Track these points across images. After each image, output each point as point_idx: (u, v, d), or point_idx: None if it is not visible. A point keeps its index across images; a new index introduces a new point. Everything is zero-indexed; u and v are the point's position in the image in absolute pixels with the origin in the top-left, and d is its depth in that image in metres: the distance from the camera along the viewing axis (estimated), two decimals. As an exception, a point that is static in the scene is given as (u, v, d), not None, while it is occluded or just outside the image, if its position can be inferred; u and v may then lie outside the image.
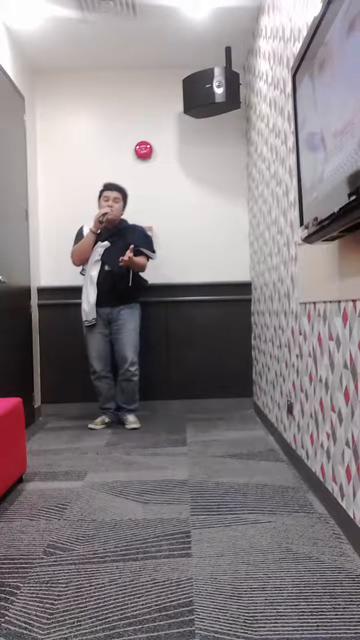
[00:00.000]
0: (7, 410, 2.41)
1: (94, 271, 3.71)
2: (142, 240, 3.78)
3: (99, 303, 3.71)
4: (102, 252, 3.71)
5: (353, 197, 1.46)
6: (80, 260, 3.77)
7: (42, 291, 4.31)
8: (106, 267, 3.70)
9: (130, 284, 3.72)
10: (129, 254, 3.58)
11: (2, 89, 3.47)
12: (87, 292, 3.73)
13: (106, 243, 3.72)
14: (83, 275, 3.81)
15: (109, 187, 3.78)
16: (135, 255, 3.67)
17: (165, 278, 4.06)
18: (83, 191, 4.32)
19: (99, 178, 4.23)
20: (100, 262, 3.70)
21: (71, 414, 4.22)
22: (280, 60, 2.94)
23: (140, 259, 3.71)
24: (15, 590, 1.63)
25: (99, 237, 3.73)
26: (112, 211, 3.69)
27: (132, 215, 3.88)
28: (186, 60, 4.11)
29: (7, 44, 3.67)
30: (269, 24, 3.21)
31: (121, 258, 3.58)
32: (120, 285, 3.70)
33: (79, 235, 3.80)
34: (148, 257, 3.78)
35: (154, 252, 3.82)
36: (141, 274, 3.82)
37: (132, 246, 3.63)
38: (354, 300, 1.84)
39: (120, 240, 3.72)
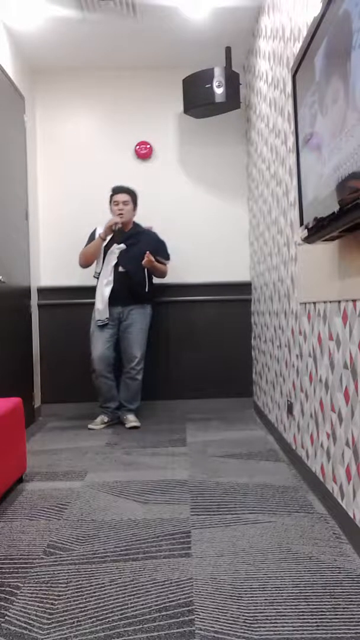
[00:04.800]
0: (7, 410, 2.41)
1: (109, 272, 3.75)
2: (156, 247, 3.84)
3: (112, 302, 3.74)
4: (118, 254, 3.75)
5: (345, 204, 1.46)
6: (86, 262, 3.85)
7: (42, 291, 4.30)
8: (120, 269, 3.75)
9: (147, 288, 3.82)
10: (148, 257, 3.69)
11: (2, 89, 3.47)
12: (101, 291, 3.76)
13: (122, 245, 3.76)
14: (96, 278, 3.83)
15: (117, 190, 3.83)
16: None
17: (166, 278, 4.06)
18: (83, 191, 4.33)
19: (98, 178, 4.24)
20: (116, 264, 3.75)
21: (71, 414, 4.22)
22: (280, 60, 2.94)
23: (161, 266, 3.86)
24: (15, 590, 1.63)
25: (115, 240, 3.78)
26: (123, 217, 3.75)
27: (132, 215, 3.88)
28: (186, 60, 4.11)
29: (7, 44, 3.67)
30: (269, 24, 3.21)
31: (144, 263, 3.69)
32: (137, 287, 3.77)
33: (92, 238, 3.85)
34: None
35: (168, 257, 3.93)
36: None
37: (148, 252, 3.71)
38: (354, 300, 1.84)
39: (136, 244, 3.77)
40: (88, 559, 1.83)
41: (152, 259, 3.72)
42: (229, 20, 3.63)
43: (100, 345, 3.79)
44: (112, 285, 3.74)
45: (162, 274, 3.91)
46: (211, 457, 2.99)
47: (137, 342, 3.80)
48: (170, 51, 4.06)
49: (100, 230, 3.80)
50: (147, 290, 3.83)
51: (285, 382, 3.03)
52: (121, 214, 3.74)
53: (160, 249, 3.87)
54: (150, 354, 4.06)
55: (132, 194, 3.82)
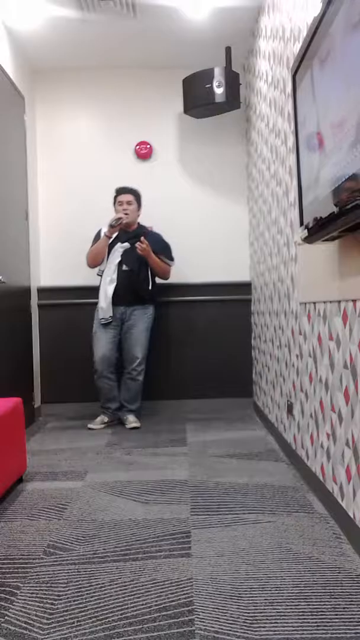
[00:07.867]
0: (7, 410, 2.41)
1: (112, 270, 3.75)
2: (160, 247, 3.84)
3: (115, 302, 3.74)
4: (122, 253, 3.75)
5: (343, 206, 1.46)
6: (94, 262, 3.83)
7: (42, 291, 4.30)
8: (124, 267, 3.75)
9: (150, 287, 3.82)
10: (143, 243, 3.63)
11: (2, 89, 3.47)
12: (105, 290, 3.76)
13: (126, 244, 3.76)
14: (99, 276, 3.84)
15: (120, 191, 3.84)
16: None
17: (166, 278, 4.07)
18: (83, 191, 4.33)
19: (99, 178, 4.24)
20: (119, 262, 3.75)
21: (71, 414, 4.22)
22: (280, 60, 2.94)
23: (161, 262, 3.82)
24: (15, 590, 1.63)
25: (118, 239, 3.78)
26: (128, 216, 3.75)
27: (132, 215, 3.88)
28: (186, 60, 4.10)
29: (7, 44, 3.67)
30: (269, 24, 3.21)
31: (138, 248, 3.63)
32: (140, 286, 3.77)
33: (97, 237, 3.85)
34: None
35: (172, 259, 3.91)
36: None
37: (142, 238, 3.68)
38: (354, 300, 1.84)
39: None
40: (88, 559, 1.83)
41: (147, 244, 3.65)
42: (229, 20, 3.63)
43: (102, 346, 3.79)
44: (115, 283, 3.74)
45: (163, 273, 3.88)
46: (211, 457, 2.99)
47: (139, 343, 3.80)
48: (170, 51, 4.06)
49: (104, 230, 3.80)
50: (150, 289, 3.82)
51: (285, 382, 3.03)
52: (126, 213, 3.75)
53: (164, 250, 3.86)
54: (150, 354, 4.06)
55: (136, 194, 3.83)
